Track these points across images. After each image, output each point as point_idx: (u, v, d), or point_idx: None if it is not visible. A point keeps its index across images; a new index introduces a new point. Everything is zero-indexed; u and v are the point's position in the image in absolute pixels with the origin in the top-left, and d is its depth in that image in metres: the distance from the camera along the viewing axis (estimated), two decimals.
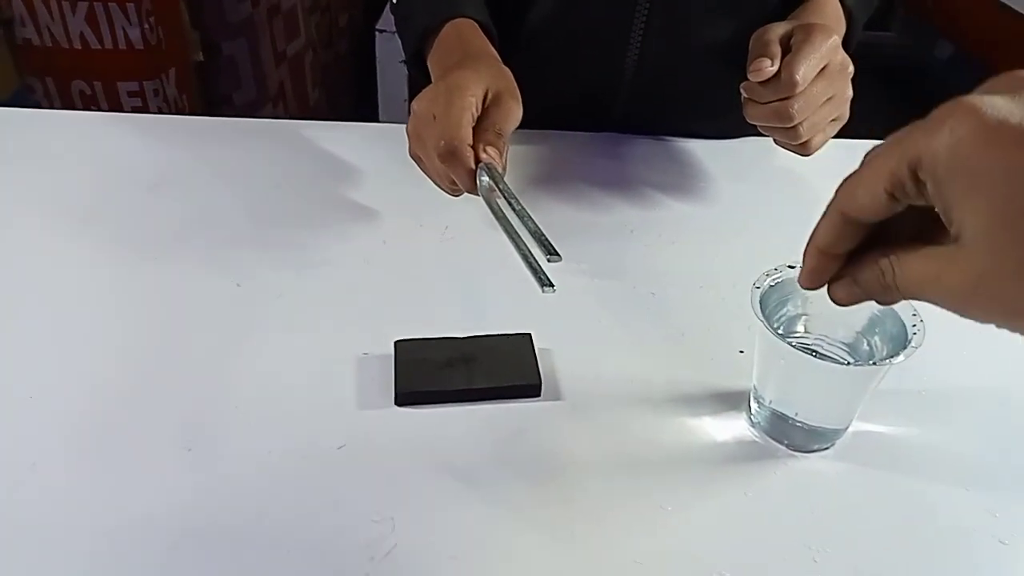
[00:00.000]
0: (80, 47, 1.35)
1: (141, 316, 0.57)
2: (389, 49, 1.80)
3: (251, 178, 0.72)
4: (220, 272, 0.61)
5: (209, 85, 1.57)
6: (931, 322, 0.44)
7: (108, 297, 0.58)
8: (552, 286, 0.44)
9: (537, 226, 0.48)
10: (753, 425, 0.51)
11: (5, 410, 0.49)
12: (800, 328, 0.49)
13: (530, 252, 0.47)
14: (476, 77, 0.57)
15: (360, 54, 2.00)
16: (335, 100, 1.99)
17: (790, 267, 0.48)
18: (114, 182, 0.70)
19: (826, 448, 0.49)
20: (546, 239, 0.46)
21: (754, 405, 0.50)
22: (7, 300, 0.58)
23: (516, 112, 0.58)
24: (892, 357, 0.43)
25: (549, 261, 0.45)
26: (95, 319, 0.56)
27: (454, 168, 0.53)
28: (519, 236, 0.48)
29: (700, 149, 0.79)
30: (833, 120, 0.65)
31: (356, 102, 2.09)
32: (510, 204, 0.50)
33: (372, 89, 1.88)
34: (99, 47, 1.35)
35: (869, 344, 0.47)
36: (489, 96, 0.57)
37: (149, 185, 0.70)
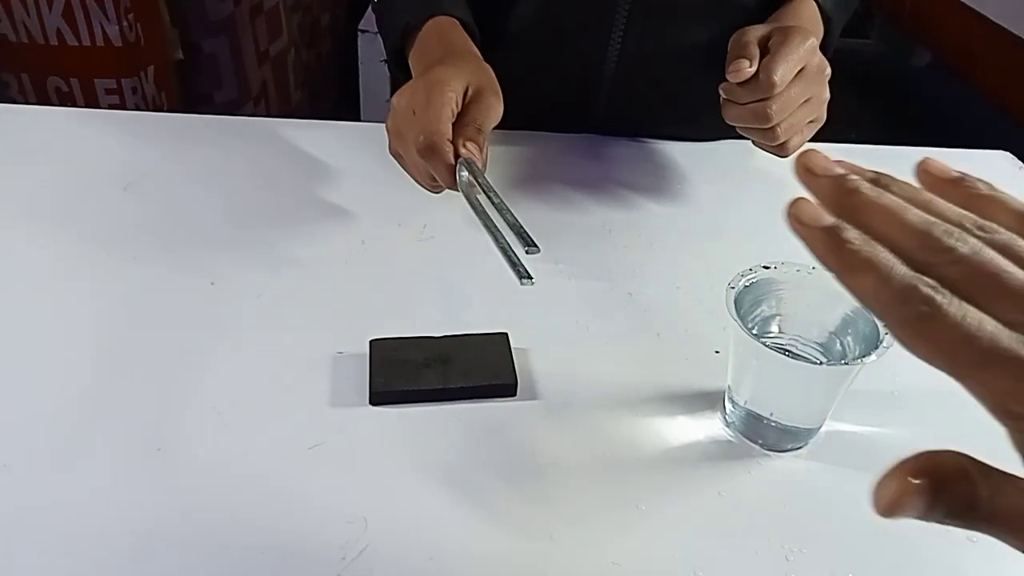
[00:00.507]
0: (56, 43, 1.32)
1: (114, 314, 0.56)
2: (371, 50, 1.79)
3: (227, 176, 0.71)
4: (195, 271, 0.60)
5: (189, 84, 1.55)
6: None
7: (81, 295, 0.58)
8: (531, 278, 0.44)
9: (515, 218, 0.48)
10: (728, 425, 0.51)
11: None
12: (774, 328, 0.50)
13: (509, 245, 0.47)
14: (456, 73, 0.57)
15: (342, 55, 1.99)
16: (317, 100, 1.98)
17: (764, 268, 0.49)
18: (89, 179, 0.70)
19: (800, 447, 0.50)
20: (524, 231, 0.46)
21: (728, 405, 0.51)
22: None
23: (497, 108, 0.58)
24: (864, 357, 0.43)
25: (528, 253, 0.45)
26: (66, 317, 0.56)
27: (433, 163, 0.53)
28: (498, 229, 0.48)
29: (678, 151, 0.79)
30: (811, 122, 0.66)
31: (337, 103, 2.08)
32: (489, 198, 0.50)
33: (354, 90, 1.87)
34: (76, 43, 1.33)
35: (842, 344, 0.48)
36: (470, 92, 0.57)
37: (125, 183, 0.69)
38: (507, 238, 0.47)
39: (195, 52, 1.53)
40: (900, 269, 0.24)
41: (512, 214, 0.48)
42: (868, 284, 0.24)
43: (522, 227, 0.47)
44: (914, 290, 0.23)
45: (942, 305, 0.23)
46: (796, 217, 0.25)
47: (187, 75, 1.54)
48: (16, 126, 0.77)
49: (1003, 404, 0.23)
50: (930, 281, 0.23)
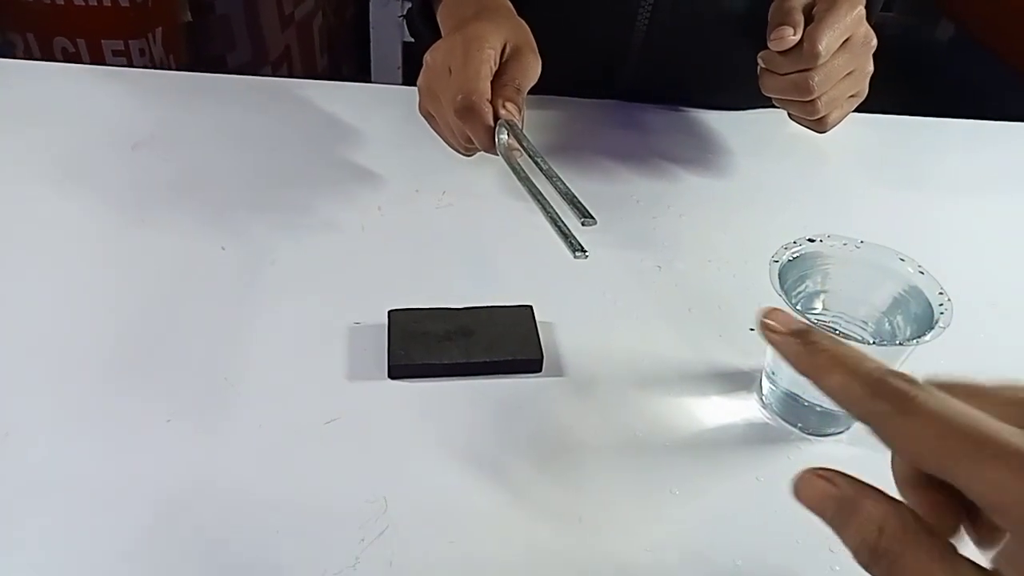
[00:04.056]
0: (63, 2, 1.29)
1: (120, 279, 0.54)
2: (383, 13, 1.75)
3: (238, 138, 0.68)
4: (205, 235, 0.57)
5: (200, 46, 1.52)
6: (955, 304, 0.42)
7: (85, 258, 0.55)
8: (584, 252, 0.41)
9: (568, 188, 0.45)
10: (765, 406, 0.48)
11: None
12: (818, 305, 0.47)
13: (559, 216, 0.44)
14: (495, 29, 0.54)
15: (361, 19, 1.95)
16: (340, 66, 1.94)
17: (810, 240, 0.46)
18: (96, 138, 0.67)
19: (841, 432, 0.47)
20: (579, 202, 0.43)
21: (767, 385, 0.48)
22: None
23: (535, 67, 0.54)
24: (919, 337, 0.41)
25: (584, 225, 0.42)
26: (73, 282, 0.53)
27: (471, 125, 0.50)
28: (545, 198, 0.45)
29: (710, 119, 0.76)
30: (852, 96, 0.62)
31: (357, 68, 2.04)
32: (537, 164, 0.47)
33: (366, 55, 1.83)
34: (83, 3, 1.30)
35: (891, 324, 0.45)
36: (507, 50, 0.54)
37: (133, 142, 0.67)
38: (555, 208, 0.44)
39: (206, 13, 1.49)
40: (868, 364, 0.24)
41: (563, 182, 0.45)
42: (836, 381, 0.25)
43: (576, 197, 0.44)
44: (882, 383, 0.24)
45: (917, 396, 0.23)
46: (768, 325, 0.27)
47: (197, 37, 1.51)
48: (21, 82, 0.74)
49: (993, 499, 0.22)
50: (902, 374, 0.24)
